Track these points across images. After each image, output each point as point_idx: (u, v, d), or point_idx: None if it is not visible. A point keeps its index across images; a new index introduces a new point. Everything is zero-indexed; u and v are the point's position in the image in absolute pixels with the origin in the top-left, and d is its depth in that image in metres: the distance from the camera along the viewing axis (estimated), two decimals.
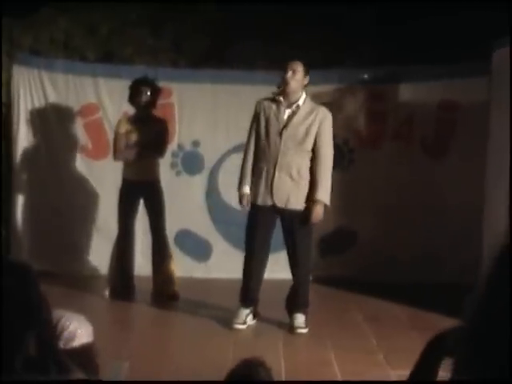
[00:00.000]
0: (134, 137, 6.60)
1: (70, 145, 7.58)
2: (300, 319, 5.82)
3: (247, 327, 5.87)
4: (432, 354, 1.65)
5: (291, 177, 5.73)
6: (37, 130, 7.54)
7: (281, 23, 7.45)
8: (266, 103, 5.85)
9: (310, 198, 5.71)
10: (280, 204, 5.75)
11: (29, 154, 7.52)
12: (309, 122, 5.75)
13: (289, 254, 5.89)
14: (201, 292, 6.89)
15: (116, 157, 6.69)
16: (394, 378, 4.58)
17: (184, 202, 7.52)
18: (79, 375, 2.14)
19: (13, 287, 1.95)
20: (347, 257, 7.58)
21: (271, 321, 5.98)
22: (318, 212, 5.71)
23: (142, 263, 7.01)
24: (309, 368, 4.96)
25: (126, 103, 6.81)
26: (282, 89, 5.80)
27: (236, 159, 7.23)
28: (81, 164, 7.59)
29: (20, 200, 7.53)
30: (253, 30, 7.45)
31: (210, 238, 7.68)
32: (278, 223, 5.90)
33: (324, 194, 5.71)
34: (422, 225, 7.43)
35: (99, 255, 7.31)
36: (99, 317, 5.72)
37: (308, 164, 5.76)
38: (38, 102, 7.52)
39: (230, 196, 7.49)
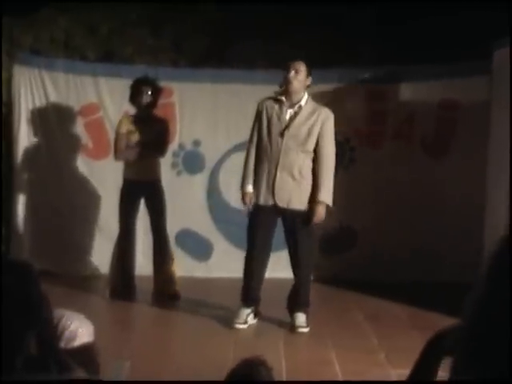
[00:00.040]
0: (134, 136, 6.60)
1: (71, 144, 7.59)
2: (301, 318, 5.82)
3: (248, 327, 5.87)
4: (432, 353, 1.65)
5: (293, 177, 5.73)
6: (37, 130, 7.54)
7: (281, 23, 7.45)
8: (269, 103, 5.84)
9: (313, 199, 5.72)
10: (281, 204, 5.75)
11: (29, 153, 7.53)
12: (311, 122, 5.75)
13: (290, 253, 5.90)
14: (202, 291, 6.89)
15: (117, 156, 6.69)
16: (394, 378, 4.58)
17: (185, 201, 7.53)
18: (80, 375, 2.15)
19: (13, 286, 1.95)
20: (348, 256, 7.58)
21: (272, 320, 5.98)
22: (320, 213, 5.71)
23: (143, 263, 7.01)
24: (310, 367, 4.96)
25: (126, 103, 6.81)
26: (285, 88, 5.79)
27: (237, 159, 7.23)
28: (81, 164, 7.59)
29: (21, 199, 7.53)
30: (253, 30, 7.45)
31: (210, 237, 7.68)
32: (279, 222, 5.90)
33: (326, 194, 5.71)
34: (422, 224, 7.43)
35: (100, 255, 7.31)
36: (100, 316, 5.73)
37: (310, 164, 5.76)
38: (39, 102, 7.53)
39: (230, 195, 7.50)
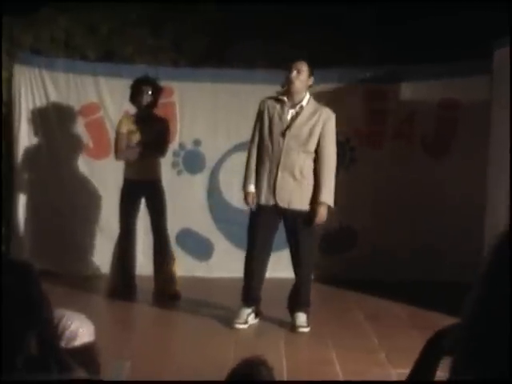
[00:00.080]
0: (135, 136, 6.60)
1: (72, 144, 7.59)
2: (302, 318, 5.82)
3: (249, 326, 5.87)
4: (431, 352, 1.66)
5: (294, 177, 5.72)
6: (38, 130, 7.54)
7: (281, 23, 7.45)
8: (270, 102, 5.84)
9: (314, 200, 5.71)
10: (282, 204, 5.75)
11: (30, 153, 7.53)
12: (312, 122, 5.74)
13: (291, 253, 5.90)
14: (202, 291, 6.89)
15: (117, 156, 6.70)
16: (395, 377, 4.58)
17: (185, 201, 7.53)
18: (81, 374, 2.15)
19: (14, 286, 1.95)
20: (348, 256, 7.58)
21: (273, 320, 5.99)
22: (322, 214, 5.71)
23: (144, 263, 7.01)
24: (310, 367, 4.96)
25: (127, 102, 6.82)
26: (287, 88, 5.79)
27: (237, 158, 7.25)
28: (82, 163, 7.60)
29: (21, 199, 7.54)
30: (253, 30, 7.46)
31: (211, 237, 7.68)
32: (280, 223, 5.90)
33: (327, 195, 5.71)
34: (422, 224, 7.43)
35: (101, 255, 7.32)
36: (101, 316, 5.74)
37: (311, 164, 5.75)
38: (39, 101, 7.53)
39: (231, 195, 7.51)
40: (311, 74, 5.78)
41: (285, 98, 5.78)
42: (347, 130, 7.37)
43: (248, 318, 5.89)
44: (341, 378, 4.71)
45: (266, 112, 5.81)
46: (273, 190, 5.74)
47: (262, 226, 5.81)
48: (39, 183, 7.56)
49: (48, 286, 2.20)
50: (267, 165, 5.77)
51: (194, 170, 7.69)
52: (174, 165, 7.61)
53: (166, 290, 6.66)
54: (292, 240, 5.85)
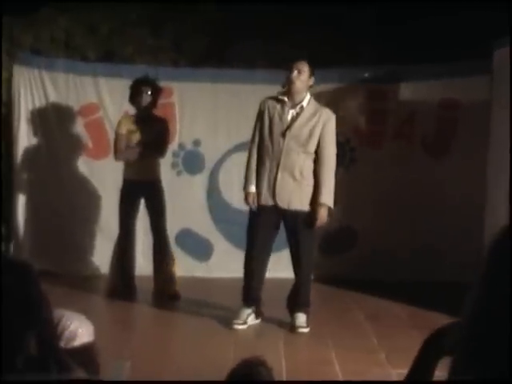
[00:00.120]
0: (134, 137, 6.60)
1: (71, 144, 7.59)
2: (301, 318, 5.82)
3: (248, 327, 5.86)
4: (430, 351, 1.65)
5: (294, 177, 5.72)
6: (37, 130, 7.54)
7: (281, 23, 7.45)
8: (271, 102, 5.83)
9: (314, 201, 5.71)
10: (282, 204, 5.74)
11: (29, 153, 7.53)
12: (312, 123, 5.73)
13: (291, 253, 5.89)
14: (202, 291, 6.89)
15: (117, 157, 6.69)
16: (395, 377, 4.57)
17: (185, 201, 7.53)
18: (80, 375, 2.15)
19: (13, 286, 1.95)
20: (348, 256, 7.58)
21: (272, 320, 5.98)
22: (323, 215, 5.71)
23: (143, 263, 7.01)
24: (310, 367, 4.96)
25: (126, 103, 6.81)
26: (287, 88, 5.78)
27: (237, 158, 7.25)
28: (81, 164, 7.59)
29: (21, 199, 7.53)
30: (253, 30, 7.46)
31: (210, 237, 7.68)
32: (281, 223, 5.90)
33: (328, 196, 5.71)
34: (422, 224, 7.43)
35: (100, 255, 7.32)
36: (100, 316, 5.74)
37: (311, 165, 5.74)
38: (39, 102, 7.52)
39: (230, 195, 7.51)
40: (312, 74, 5.77)
41: (285, 98, 5.77)
42: (347, 130, 7.38)
43: (248, 319, 5.88)
44: (340, 378, 4.71)
45: (266, 112, 5.81)
46: (272, 190, 5.73)
47: (261, 225, 5.80)
48: (39, 183, 7.55)
49: (47, 286, 2.20)
50: (267, 165, 5.77)
51: (193, 170, 7.68)
52: (174, 165, 7.61)
53: (166, 291, 6.66)
54: (292, 240, 5.84)
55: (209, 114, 7.62)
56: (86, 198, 7.56)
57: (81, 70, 7.55)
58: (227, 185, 7.58)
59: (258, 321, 5.96)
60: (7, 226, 7.49)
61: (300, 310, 5.84)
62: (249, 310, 5.91)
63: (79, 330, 2.65)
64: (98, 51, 7.71)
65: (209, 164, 7.68)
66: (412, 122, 7.57)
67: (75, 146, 7.58)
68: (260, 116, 5.86)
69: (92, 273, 7.44)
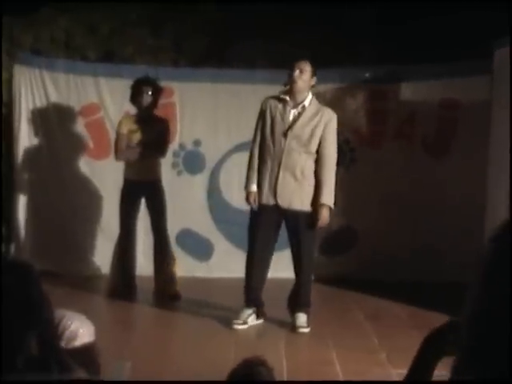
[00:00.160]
0: (135, 136, 6.60)
1: (72, 144, 7.59)
2: (302, 318, 5.82)
3: (249, 327, 5.85)
4: (429, 350, 1.65)
5: (295, 177, 5.71)
6: (38, 130, 7.54)
7: (281, 23, 7.45)
8: (273, 101, 5.82)
9: (315, 202, 5.70)
10: (283, 204, 5.73)
11: (30, 153, 7.53)
12: (314, 123, 5.73)
13: (293, 253, 5.89)
14: (202, 291, 6.89)
15: (117, 157, 6.70)
16: (395, 377, 4.58)
17: (185, 201, 7.53)
18: (81, 375, 2.14)
19: (14, 286, 1.95)
20: (348, 256, 7.58)
21: (273, 320, 5.98)
22: (325, 216, 5.70)
23: (144, 263, 7.01)
24: (310, 367, 4.96)
25: (127, 103, 6.82)
26: (289, 88, 5.77)
27: (237, 158, 7.25)
28: (82, 164, 7.59)
29: (21, 200, 7.53)
30: (253, 30, 7.45)
31: (211, 237, 7.68)
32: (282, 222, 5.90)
33: (328, 196, 5.71)
34: (422, 224, 7.43)
35: (102, 255, 7.31)
36: (101, 317, 5.74)
37: (312, 165, 5.74)
38: (40, 102, 7.53)
39: (231, 195, 7.51)
40: (314, 73, 5.76)
41: (287, 98, 5.76)
42: (347, 130, 7.37)
43: (248, 319, 5.88)
44: (341, 378, 4.71)
45: (268, 111, 5.80)
46: (274, 189, 5.73)
47: (262, 225, 5.80)
48: (39, 184, 7.55)
49: (48, 287, 2.20)
50: (269, 164, 5.76)
51: (194, 170, 7.69)
52: (174, 165, 7.61)
53: (167, 291, 6.66)
54: (293, 240, 5.84)
55: (209, 113, 7.62)
56: (86, 198, 7.56)
57: (81, 70, 7.55)
58: (228, 185, 7.58)
59: (259, 321, 5.94)
60: (8, 226, 7.50)
61: (301, 310, 5.84)
62: (249, 311, 5.90)
63: (80, 330, 2.65)
64: (98, 51, 7.71)
65: (209, 164, 7.68)
66: (412, 122, 7.57)
67: (76, 146, 7.58)
68: (262, 115, 5.85)
69: (93, 273, 7.44)
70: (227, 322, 5.85)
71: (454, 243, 7.28)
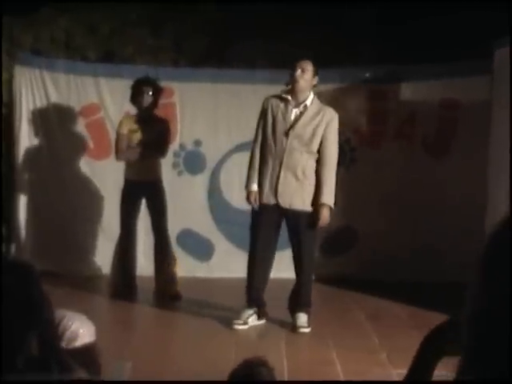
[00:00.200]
0: (135, 137, 6.60)
1: (72, 145, 7.59)
2: (302, 318, 5.81)
3: (250, 327, 5.85)
4: (429, 350, 1.65)
5: (296, 177, 5.70)
6: (38, 130, 7.55)
7: (281, 23, 7.45)
8: (274, 101, 5.81)
9: (316, 201, 5.70)
10: (284, 204, 5.73)
11: (30, 153, 7.53)
12: (316, 122, 5.73)
13: (293, 252, 5.89)
14: (203, 292, 6.89)
15: (118, 157, 6.70)
16: (396, 377, 4.57)
17: (186, 201, 7.53)
18: (81, 375, 2.15)
19: (15, 286, 1.95)
20: (348, 256, 7.58)
21: (274, 320, 5.98)
22: (325, 216, 5.70)
23: (145, 263, 7.01)
24: (311, 367, 4.96)
25: (127, 103, 6.82)
26: (291, 87, 5.77)
27: (238, 158, 7.25)
28: (83, 164, 7.60)
29: (22, 200, 7.53)
30: (253, 30, 7.46)
31: (212, 237, 7.68)
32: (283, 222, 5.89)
33: (329, 196, 5.70)
34: (422, 224, 7.43)
35: (102, 255, 7.32)
36: (102, 317, 5.74)
37: (313, 165, 5.73)
38: (40, 102, 7.53)
39: (231, 195, 7.51)
40: (316, 73, 5.76)
41: (289, 97, 5.76)
42: (347, 130, 7.37)
43: (249, 319, 5.87)
44: (341, 378, 4.71)
45: (269, 110, 5.79)
46: (275, 189, 5.72)
47: (264, 224, 5.79)
48: (40, 184, 7.55)
49: (49, 287, 2.21)
50: (270, 164, 5.76)
51: (194, 170, 7.69)
52: (175, 165, 7.61)
53: (167, 291, 6.66)
54: (294, 240, 5.84)
55: (209, 114, 7.62)
56: (87, 199, 7.56)
57: (81, 71, 7.55)
58: (228, 185, 7.58)
59: (261, 322, 5.93)
60: (8, 227, 7.50)
61: (301, 310, 5.84)
62: (250, 311, 5.89)
63: (80, 331, 2.65)
64: (99, 51, 7.72)
65: (210, 164, 7.68)
66: (412, 122, 7.57)
67: (76, 146, 7.58)
68: (263, 114, 5.84)
69: (93, 273, 7.44)
70: (228, 323, 5.85)
71: (454, 243, 7.28)
